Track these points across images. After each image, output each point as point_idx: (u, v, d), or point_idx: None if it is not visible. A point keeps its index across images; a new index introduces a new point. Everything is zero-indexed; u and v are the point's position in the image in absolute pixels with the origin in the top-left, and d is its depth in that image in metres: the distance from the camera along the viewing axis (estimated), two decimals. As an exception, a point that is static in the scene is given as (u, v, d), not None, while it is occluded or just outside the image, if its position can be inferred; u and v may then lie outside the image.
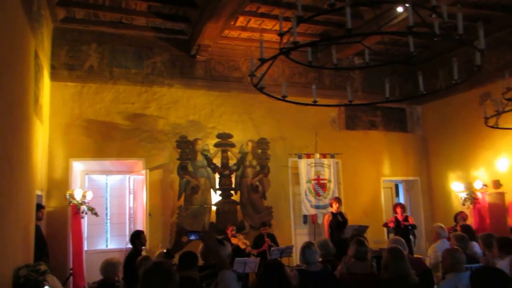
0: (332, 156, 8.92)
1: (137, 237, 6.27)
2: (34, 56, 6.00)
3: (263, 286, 2.85)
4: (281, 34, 3.71)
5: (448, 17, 3.51)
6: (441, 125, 9.69)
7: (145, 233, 7.45)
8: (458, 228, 6.76)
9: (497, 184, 8.41)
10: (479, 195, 8.55)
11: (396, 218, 8.00)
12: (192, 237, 3.24)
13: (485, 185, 8.52)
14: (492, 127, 5.70)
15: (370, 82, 9.78)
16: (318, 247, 5.31)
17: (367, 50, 4.67)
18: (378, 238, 8.67)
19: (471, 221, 8.43)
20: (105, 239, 8.16)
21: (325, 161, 8.86)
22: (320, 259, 5.31)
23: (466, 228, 6.19)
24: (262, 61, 3.53)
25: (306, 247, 4.53)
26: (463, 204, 8.65)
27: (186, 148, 8.12)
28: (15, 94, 4.91)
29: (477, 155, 8.86)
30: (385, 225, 8.18)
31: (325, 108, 9.22)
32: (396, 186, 10.55)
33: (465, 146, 9.04)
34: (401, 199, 10.34)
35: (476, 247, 5.56)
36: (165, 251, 3.43)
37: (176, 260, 4.24)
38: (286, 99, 4.72)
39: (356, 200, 9.38)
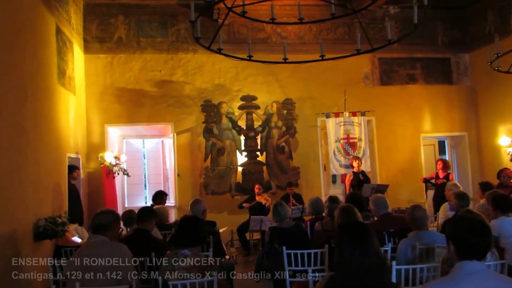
0: (363, 114, 8.53)
1: (158, 197, 6.91)
2: (55, 32, 6.63)
3: (178, 237, 3.05)
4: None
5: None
6: (492, 74, 8.57)
7: (174, 192, 8.08)
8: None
9: (550, 138, 7.41)
10: (528, 150, 7.65)
11: (436, 174, 7.54)
12: None
13: (535, 139, 7.59)
14: (498, 70, 5.07)
15: (407, 33, 9.02)
16: (309, 205, 5.36)
17: None
18: (413, 198, 8.24)
19: (519, 179, 7.61)
20: (144, 197, 8.93)
21: (355, 119, 8.52)
22: (312, 217, 5.36)
23: (484, 185, 5.68)
24: (192, 22, 3.57)
25: (279, 205, 4.63)
26: (511, 160, 7.82)
27: (211, 111, 8.42)
28: (30, 68, 5.54)
29: (529, 106, 7.84)
30: (424, 180, 7.79)
31: (357, 65, 8.79)
32: (442, 143, 9.79)
33: (517, 96, 8.03)
34: (447, 157, 9.60)
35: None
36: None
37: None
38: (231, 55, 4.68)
39: (392, 159, 8.95)
